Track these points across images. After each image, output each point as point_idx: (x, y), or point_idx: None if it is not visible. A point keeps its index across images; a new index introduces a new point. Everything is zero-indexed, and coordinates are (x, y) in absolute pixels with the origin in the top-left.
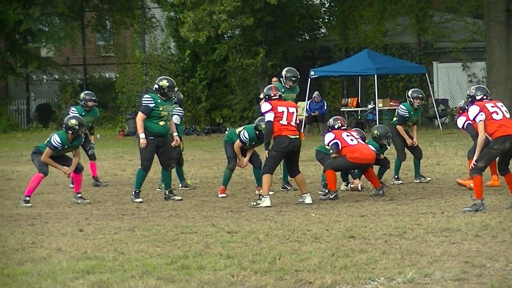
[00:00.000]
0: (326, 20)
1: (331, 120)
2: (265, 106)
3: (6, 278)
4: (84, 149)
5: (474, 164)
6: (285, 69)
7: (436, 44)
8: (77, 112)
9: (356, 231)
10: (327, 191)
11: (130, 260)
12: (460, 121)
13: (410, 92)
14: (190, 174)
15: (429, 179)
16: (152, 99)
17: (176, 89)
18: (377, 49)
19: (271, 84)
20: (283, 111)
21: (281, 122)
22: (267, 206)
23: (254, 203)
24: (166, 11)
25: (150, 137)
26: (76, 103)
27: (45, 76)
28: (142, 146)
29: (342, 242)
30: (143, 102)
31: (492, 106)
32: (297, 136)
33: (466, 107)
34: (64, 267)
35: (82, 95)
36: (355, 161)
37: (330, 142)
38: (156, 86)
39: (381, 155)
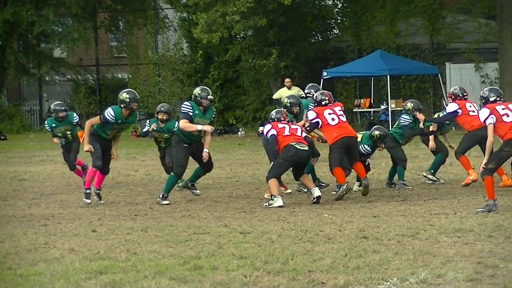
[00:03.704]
0: (339, 21)
1: (272, 113)
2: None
3: (19, 279)
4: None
5: (484, 166)
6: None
7: (448, 45)
8: (48, 125)
9: (369, 232)
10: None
11: (143, 260)
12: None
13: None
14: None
15: (441, 181)
16: (191, 108)
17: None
18: (390, 50)
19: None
20: (284, 127)
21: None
22: (279, 206)
23: (267, 204)
24: (179, 11)
25: (185, 145)
26: (49, 115)
27: (58, 77)
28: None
29: (355, 242)
30: (183, 109)
31: (503, 109)
32: (305, 148)
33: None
34: (77, 268)
35: (51, 106)
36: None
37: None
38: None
39: (368, 158)
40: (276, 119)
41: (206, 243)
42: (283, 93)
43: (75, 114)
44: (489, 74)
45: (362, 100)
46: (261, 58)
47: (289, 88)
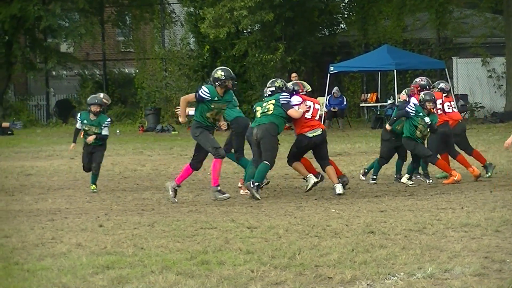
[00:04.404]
0: (346, 16)
1: (290, 84)
2: (296, 98)
3: (26, 273)
4: None
5: None
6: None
7: (455, 40)
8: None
9: (375, 227)
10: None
11: (150, 255)
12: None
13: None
14: (210, 169)
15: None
16: (209, 94)
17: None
18: (397, 44)
19: (291, 79)
20: (310, 106)
21: (306, 116)
22: (315, 183)
23: (306, 188)
24: (186, 6)
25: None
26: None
27: (65, 72)
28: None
29: (362, 237)
30: (201, 94)
31: None
32: (318, 133)
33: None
34: (83, 262)
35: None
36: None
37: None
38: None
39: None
40: (299, 91)
41: (213, 238)
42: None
43: (109, 119)
44: (496, 68)
45: (369, 94)
46: (268, 52)
47: None
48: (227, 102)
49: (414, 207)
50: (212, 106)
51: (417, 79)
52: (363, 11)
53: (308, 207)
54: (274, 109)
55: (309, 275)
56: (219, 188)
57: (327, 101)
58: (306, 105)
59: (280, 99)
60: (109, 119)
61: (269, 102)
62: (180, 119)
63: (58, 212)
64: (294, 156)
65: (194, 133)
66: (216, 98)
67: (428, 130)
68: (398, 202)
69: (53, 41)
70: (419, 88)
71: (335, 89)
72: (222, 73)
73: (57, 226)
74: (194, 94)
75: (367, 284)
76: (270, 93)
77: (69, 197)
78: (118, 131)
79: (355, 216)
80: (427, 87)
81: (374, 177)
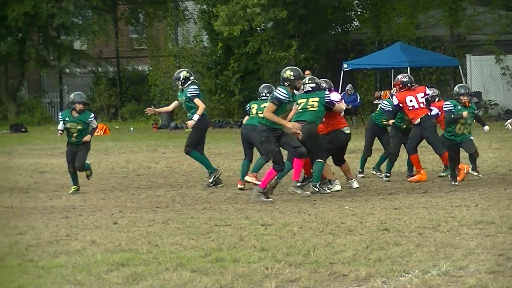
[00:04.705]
0: (359, 13)
1: (322, 82)
2: (335, 95)
3: (41, 271)
4: None
5: None
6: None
7: (468, 37)
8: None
9: (390, 224)
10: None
11: (164, 252)
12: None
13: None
14: (224, 167)
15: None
16: (287, 95)
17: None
18: (410, 41)
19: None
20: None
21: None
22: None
23: (327, 188)
24: (199, 4)
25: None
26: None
27: (78, 69)
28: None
29: (376, 234)
30: (279, 96)
31: None
32: (349, 131)
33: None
34: (98, 260)
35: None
36: None
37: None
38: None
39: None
40: (331, 88)
41: (227, 235)
42: None
43: (92, 114)
44: (510, 66)
45: (382, 92)
46: (281, 50)
47: None
48: (295, 102)
49: (428, 205)
50: (287, 107)
51: (399, 76)
52: (376, 8)
53: (322, 204)
54: (318, 107)
55: (323, 273)
56: (298, 184)
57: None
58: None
59: (325, 98)
60: (92, 115)
61: (313, 99)
62: (292, 130)
63: (72, 210)
64: (334, 153)
65: (261, 137)
66: (291, 99)
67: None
68: (412, 199)
69: (67, 39)
70: (400, 85)
71: (349, 86)
72: (291, 73)
73: (71, 223)
74: (271, 103)
75: (382, 282)
76: (310, 89)
77: (83, 195)
78: (131, 129)
79: (369, 213)
80: (408, 84)
81: (388, 174)
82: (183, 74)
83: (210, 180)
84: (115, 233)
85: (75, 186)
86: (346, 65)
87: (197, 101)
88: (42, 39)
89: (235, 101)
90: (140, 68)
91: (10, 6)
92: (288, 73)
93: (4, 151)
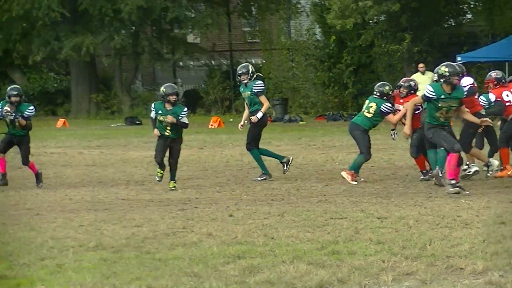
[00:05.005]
0: (472, 5)
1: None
2: (468, 79)
3: (158, 263)
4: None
5: None
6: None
7: None
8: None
9: (506, 217)
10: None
11: (281, 245)
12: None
13: None
14: (338, 160)
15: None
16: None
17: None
18: None
19: (418, 70)
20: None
21: None
22: (476, 171)
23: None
24: None
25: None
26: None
27: (191, 62)
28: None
29: (493, 228)
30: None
31: None
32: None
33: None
34: (215, 252)
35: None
36: None
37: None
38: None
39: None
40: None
41: (343, 228)
42: (417, 79)
43: (31, 106)
44: None
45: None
46: (394, 43)
47: (423, 73)
48: (455, 98)
49: None
50: (439, 105)
51: (492, 73)
52: (489, 0)
53: (438, 197)
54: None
55: (440, 266)
56: (453, 182)
57: None
58: None
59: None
60: (185, 109)
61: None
62: (405, 131)
63: (188, 202)
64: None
65: (428, 135)
66: (442, 96)
67: None
68: None
69: (180, 32)
70: (495, 82)
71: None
72: (446, 69)
73: (187, 215)
74: (420, 96)
75: (499, 275)
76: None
77: (198, 187)
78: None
79: (486, 207)
80: (502, 80)
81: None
82: (251, 68)
83: (285, 168)
84: (231, 225)
85: (173, 182)
86: (459, 58)
87: (262, 98)
88: (155, 32)
89: (348, 94)
90: (253, 61)
91: (123, 0)
92: (443, 69)
93: (119, 144)
